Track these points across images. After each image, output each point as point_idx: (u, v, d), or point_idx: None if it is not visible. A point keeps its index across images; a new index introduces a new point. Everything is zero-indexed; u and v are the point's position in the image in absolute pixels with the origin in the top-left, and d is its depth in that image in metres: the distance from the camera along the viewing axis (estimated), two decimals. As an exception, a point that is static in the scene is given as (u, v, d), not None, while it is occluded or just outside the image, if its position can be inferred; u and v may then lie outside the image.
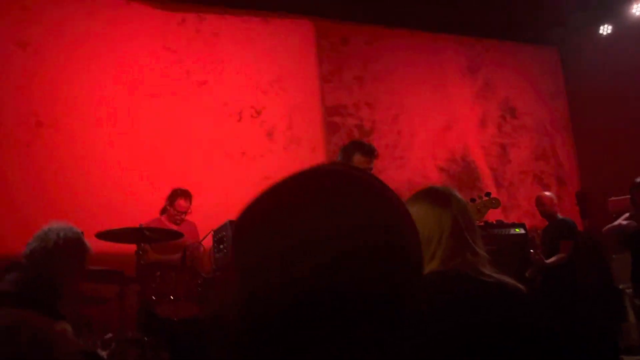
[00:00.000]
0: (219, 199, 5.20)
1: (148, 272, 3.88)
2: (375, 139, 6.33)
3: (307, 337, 0.66)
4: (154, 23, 5.89)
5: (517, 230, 5.67)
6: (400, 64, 7.03)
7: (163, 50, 5.89)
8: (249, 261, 0.70)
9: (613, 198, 6.36)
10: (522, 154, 7.48)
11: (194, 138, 5.80)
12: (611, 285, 5.14)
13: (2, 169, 5.05)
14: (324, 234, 0.67)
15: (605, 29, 7.02)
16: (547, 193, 5.84)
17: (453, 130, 7.18)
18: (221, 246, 4.20)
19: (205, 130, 5.89)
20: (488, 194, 3.17)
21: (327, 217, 0.68)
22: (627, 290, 5.37)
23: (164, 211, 4.81)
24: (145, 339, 3.38)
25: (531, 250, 5.37)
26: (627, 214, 5.26)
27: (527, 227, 5.91)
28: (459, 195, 1.66)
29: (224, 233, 4.15)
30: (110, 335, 3.31)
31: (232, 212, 0.93)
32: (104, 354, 2.83)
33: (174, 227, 4.58)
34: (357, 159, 3.41)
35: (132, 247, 3.97)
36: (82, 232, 2.63)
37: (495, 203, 3.15)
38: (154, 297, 3.76)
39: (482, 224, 5.68)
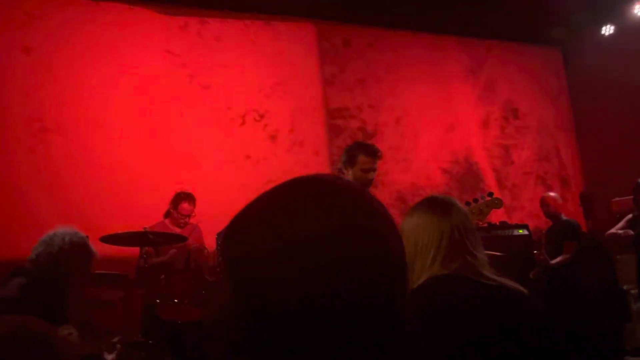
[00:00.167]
0: (223, 202, 5.20)
1: (152, 275, 3.89)
2: (379, 142, 6.32)
3: (296, 342, 0.68)
4: (157, 28, 5.92)
5: (520, 231, 5.67)
6: (402, 65, 7.04)
7: (166, 54, 5.91)
8: (238, 270, 0.72)
9: (616, 199, 6.36)
10: (525, 155, 7.48)
11: (197, 141, 5.82)
12: (615, 286, 5.13)
13: (7, 173, 5.08)
14: (309, 241, 0.68)
15: (608, 29, 7.02)
16: (551, 194, 5.83)
17: (456, 131, 7.18)
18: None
19: (209, 133, 5.90)
20: (490, 194, 3.17)
21: (312, 226, 0.70)
22: (632, 291, 5.36)
23: (167, 215, 4.82)
24: (150, 342, 3.39)
25: (535, 251, 5.37)
26: (630, 215, 5.25)
27: (530, 228, 5.91)
28: (459, 204, 1.71)
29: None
30: (117, 338, 3.33)
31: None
32: (110, 357, 2.84)
33: (178, 231, 4.59)
34: (361, 160, 3.41)
35: (136, 251, 3.99)
36: (87, 237, 2.65)
37: (497, 203, 3.15)
38: (158, 301, 3.78)
39: (485, 225, 5.68)
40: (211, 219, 4.76)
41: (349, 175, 3.46)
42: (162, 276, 3.96)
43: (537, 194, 6.70)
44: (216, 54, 6.14)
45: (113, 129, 5.51)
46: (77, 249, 2.53)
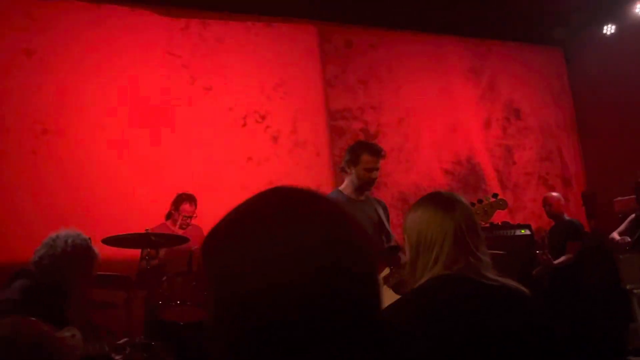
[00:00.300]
0: (225, 204, 5.17)
1: (153, 277, 3.89)
2: (381, 143, 6.28)
3: (274, 354, 0.70)
4: (158, 29, 5.92)
5: (522, 231, 5.68)
6: (404, 66, 7.03)
7: (167, 56, 5.92)
8: (216, 286, 0.75)
9: (619, 198, 6.35)
10: (527, 155, 7.47)
11: (199, 143, 5.82)
12: (618, 286, 5.11)
13: (8, 176, 5.08)
14: (281, 252, 0.71)
15: (609, 29, 7.01)
16: (554, 194, 5.83)
17: (458, 132, 7.18)
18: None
19: (211, 135, 5.91)
20: (495, 195, 3.18)
21: (286, 239, 0.72)
22: (635, 291, 5.35)
23: (169, 216, 4.82)
24: (152, 343, 3.39)
25: (537, 251, 5.37)
26: (633, 216, 5.24)
27: (532, 228, 5.91)
28: (463, 200, 1.69)
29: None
30: (124, 340, 3.33)
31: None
32: (118, 358, 2.84)
33: (180, 232, 4.60)
34: (365, 159, 3.41)
35: (138, 253, 3.99)
36: (90, 239, 2.65)
37: (502, 204, 3.16)
38: (160, 302, 3.78)
39: (487, 225, 5.68)
40: (213, 220, 4.75)
41: (352, 174, 3.45)
42: (164, 278, 3.96)
43: (539, 194, 6.70)
44: (217, 55, 6.14)
45: (114, 131, 5.51)
46: (80, 251, 2.54)
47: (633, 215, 5.24)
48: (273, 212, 0.76)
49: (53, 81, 5.39)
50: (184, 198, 4.75)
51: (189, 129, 5.82)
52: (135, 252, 4.22)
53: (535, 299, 1.53)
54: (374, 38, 6.96)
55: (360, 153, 3.43)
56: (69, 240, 2.51)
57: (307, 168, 6.22)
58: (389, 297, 3.12)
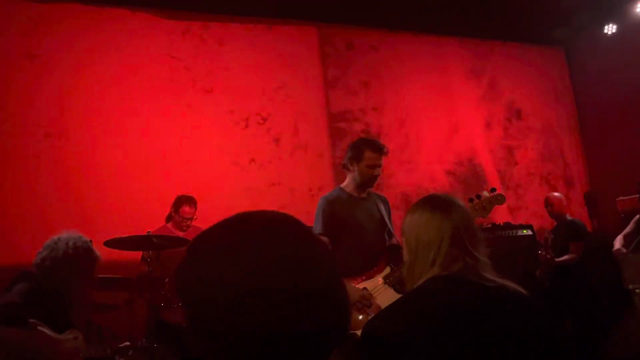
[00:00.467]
0: (227, 206, 5.21)
1: (154, 279, 3.90)
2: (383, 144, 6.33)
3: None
4: (160, 32, 5.94)
5: (524, 231, 5.67)
6: (405, 67, 7.04)
7: (169, 59, 5.94)
8: (187, 297, 0.80)
9: (621, 198, 6.34)
10: (529, 155, 7.46)
11: (201, 145, 5.84)
12: (621, 286, 5.10)
13: (12, 179, 5.11)
14: (248, 272, 0.75)
15: (610, 29, 7.00)
16: (556, 194, 5.83)
17: (459, 133, 7.18)
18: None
19: (212, 137, 5.92)
20: (493, 190, 3.18)
21: (236, 257, 0.78)
22: (638, 291, 5.33)
23: (169, 218, 4.83)
24: (155, 345, 3.40)
25: (540, 251, 5.36)
26: (637, 217, 5.22)
27: (534, 228, 5.90)
28: (460, 202, 1.70)
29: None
30: (127, 343, 3.33)
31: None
32: (123, 360, 2.85)
33: (181, 234, 4.60)
34: (368, 155, 3.40)
35: (140, 255, 3.99)
36: (91, 241, 2.66)
37: (500, 199, 3.16)
38: (162, 304, 3.79)
39: (489, 225, 5.68)
40: (215, 222, 4.76)
41: (354, 171, 3.44)
42: (166, 280, 3.97)
43: (541, 194, 6.69)
44: (219, 58, 6.16)
45: (117, 134, 5.53)
46: (81, 253, 2.55)
47: (638, 216, 5.23)
48: (228, 234, 0.83)
49: (55, 85, 5.41)
50: (184, 200, 4.76)
51: (190, 131, 5.83)
52: (137, 254, 4.23)
53: (534, 300, 1.53)
54: (374, 39, 6.97)
55: (363, 150, 3.42)
56: (70, 243, 2.52)
57: (309, 170, 6.23)
58: (390, 296, 3.13)
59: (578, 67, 7.83)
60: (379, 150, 3.42)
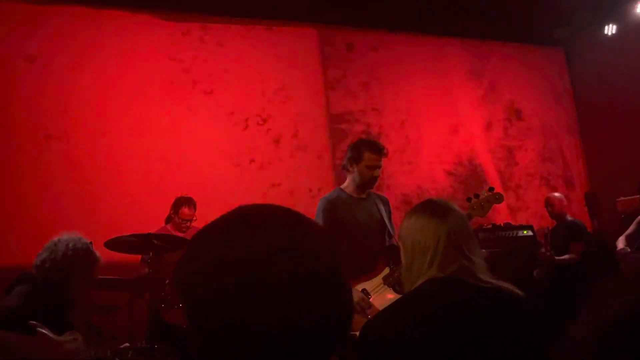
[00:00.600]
0: (227, 207, 5.19)
1: (154, 281, 3.90)
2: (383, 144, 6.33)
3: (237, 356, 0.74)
4: (159, 34, 5.95)
5: (525, 232, 5.67)
6: (405, 68, 7.04)
7: (169, 60, 5.94)
8: (185, 292, 0.80)
9: (621, 198, 6.34)
10: (529, 155, 7.46)
11: (201, 147, 5.84)
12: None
13: (12, 181, 5.11)
14: (246, 259, 0.75)
15: (610, 29, 7.00)
16: (556, 194, 5.82)
17: (459, 133, 7.18)
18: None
19: (212, 138, 5.93)
20: (491, 189, 3.19)
21: (236, 245, 0.77)
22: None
23: (169, 220, 4.83)
24: (155, 346, 3.40)
25: (541, 250, 5.36)
26: (639, 217, 5.21)
27: (535, 228, 5.90)
28: (456, 207, 1.74)
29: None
30: (127, 344, 3.34)
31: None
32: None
33: (180, 235, 4.60)
34: (367, 156, 3.41)
35: (140, 256, 3.99)
36: (91, 242, 2.66)
37: (498, 198, 3.17)
38: (163, 305, 3.79)
39: (489, 226, 5.68)
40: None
41: (354, 172, 3.45)
42: (167, 281, 3.97)
43: (542, 194, 6.69)
44: (218, 59, 6.17)
45: (117, 136, 5.54)
46: (81, 255, 2.55)
47: (639, 218, 5.22)
48: (226, 225, 0.82)
49: (55, 87, 5.42)
50: (183, 202, 4.76)
51: (190, 133, 5.84)
52: (137, 256, 4.23)
53: (530, 301, 1.55)
54: (374, 41, 6.98)
55: (363, 151, 3.43)
56: (70, 244, 2.52)
57: (309, 171, 6.23)
58: (389, 296, 3.13)
59: (578, 67, 7.83)
60: (379, 151, 3.43)
